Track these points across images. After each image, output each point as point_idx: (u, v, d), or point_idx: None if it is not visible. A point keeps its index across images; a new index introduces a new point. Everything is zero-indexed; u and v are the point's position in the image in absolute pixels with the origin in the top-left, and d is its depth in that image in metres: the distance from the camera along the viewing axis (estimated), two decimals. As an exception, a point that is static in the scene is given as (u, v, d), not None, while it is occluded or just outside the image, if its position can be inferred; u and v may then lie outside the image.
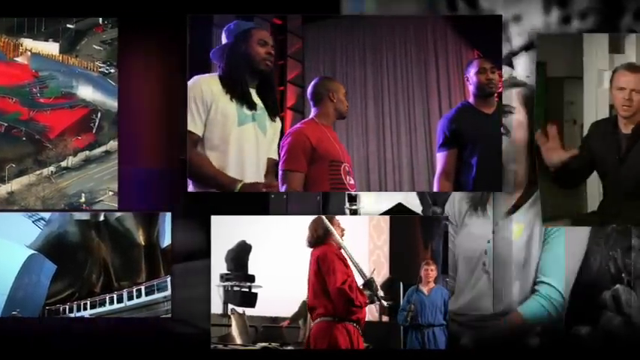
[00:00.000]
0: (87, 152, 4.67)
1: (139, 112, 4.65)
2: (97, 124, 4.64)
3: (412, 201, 4.73)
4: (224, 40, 4.10)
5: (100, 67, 4.64)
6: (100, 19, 4.65)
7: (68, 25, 4.61)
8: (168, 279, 4.62)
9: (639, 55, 4.45)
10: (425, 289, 4.58)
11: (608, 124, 4.26)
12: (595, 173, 4.40)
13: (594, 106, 4.48)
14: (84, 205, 4.56)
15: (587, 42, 4.54)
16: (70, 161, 4.64)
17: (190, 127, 3.89)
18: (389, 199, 4.74)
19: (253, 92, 4.09)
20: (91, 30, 4.66)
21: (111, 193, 4.60)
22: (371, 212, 4.69)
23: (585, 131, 4.33)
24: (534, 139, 4.34)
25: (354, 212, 4.63)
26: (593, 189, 4.52)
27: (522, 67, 4.60)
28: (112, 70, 4.62)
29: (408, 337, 4.58)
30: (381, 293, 4.28)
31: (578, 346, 4.59)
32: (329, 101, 4.46)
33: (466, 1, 4.61)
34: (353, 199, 4.62)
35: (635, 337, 4.59)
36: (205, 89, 3.90)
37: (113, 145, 4.63)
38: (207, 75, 4.03)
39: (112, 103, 4.59)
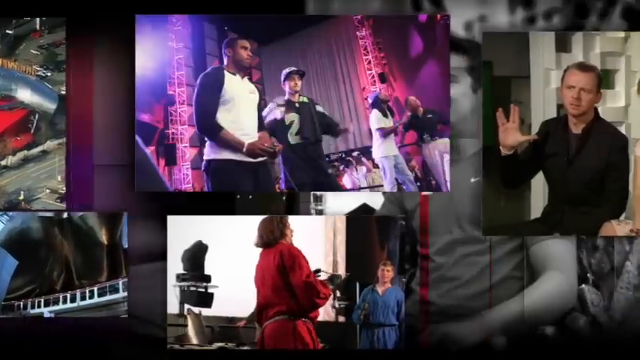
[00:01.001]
0: (25, 152, 4.63)
1: (87, 111, 4.61)
2: (34, 125, 4.61)
3: (378, 201, 4.72)
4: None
5: (38, 71, 4.61)
6: (38, 24, 4.64)
7: (7, 31, 4.58)
8: (120, 282, 4.58)
9: (586, 54, 4.45)
10: (380, 290, 4.49)
11: (558, 123, 4.23)
12: (541, 177, 4.37)
13: (542, 106, 4.46)
14: (22, 203, 4.54)
15: (534, 41, 4.51)
16: (10, 160, 4.60)
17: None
18: (355, 200, 4.70)
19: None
20: (29, 35, 4.63)
21: (48, 190, 4.58)
22: (336, 212, 4.65)
23: (534, 131, 4.28)
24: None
25: (320, 212, 4.62)
26: (538, 194, 4.49)
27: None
28: (49, 74, 4.59)
29: (363, 337, 4.52)
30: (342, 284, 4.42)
31: (544, 346, 4.53)
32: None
33: (431, 1, 4.54)
34: (318, 199, 4.60)
35: (600, 337, 4.57)
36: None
37: (50, 145, 4.60)
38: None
39: (49, 105, 4.59)
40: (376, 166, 5.40)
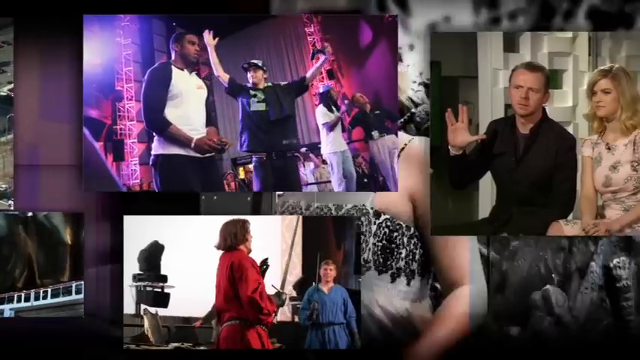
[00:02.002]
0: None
1: (34, 110, 4.46)
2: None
3: None
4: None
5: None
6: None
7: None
8: (74, 284, 4.45)
9: (534, 54, 4.38)
10: (325, 288, 4.32)
11: (506, 123, 4.14)
12: (489, 177, 4.26)
13: (490, 106, 4.38)
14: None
15: (482, 41, 4.43)
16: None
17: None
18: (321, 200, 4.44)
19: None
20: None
21: (-5, 189, 4.37)
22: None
23: (482, 131, 4.18)
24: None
25: (284, 213, 4.40)
26: (486, 194, 4.40)
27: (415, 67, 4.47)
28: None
29: (310, 337, 4.33)
30: (287, 300, 4.27)
31: (509, 346, 4.46)
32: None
33: (396, 1, 4.41)
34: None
35: (565, 338, 4.46)
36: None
37: (-6, 143, 4.38)
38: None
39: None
40: (324, 162, 5.33)
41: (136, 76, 5.42)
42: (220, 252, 4.13)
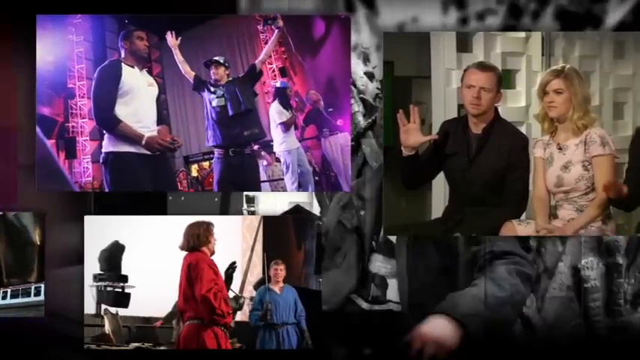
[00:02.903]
0: None
1: None
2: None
3: (312, 202, 4.51)
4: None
5: None
6: None
7: None
8: (33, 286, 4.35)
9: (487, 54, 4.34)
10: (276, 288, 4.34)
11: (458, 123, 4.06)
12: (442, 177, 4.18)
13: (443, 106, 4.32)
14: None
15: (435, 41, 4.37)
16: None
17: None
18: (287, 200, 4.50)
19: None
20: None
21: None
22: (268, 213, 4.46)
23: (434, 131, 4.10)
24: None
25: (252, 213, 4.44)
26: (439, 194, 4.34)
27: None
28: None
29: (265, 337, 4.37)
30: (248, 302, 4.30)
31: (475, 346, 4.05)
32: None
33: (364, 1, 4.29)
34: (251, 201, 4.46)
35: (533, 338, 4.36)
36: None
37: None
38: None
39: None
40: (277, 159, 5.24)
41: (88, 74, 5.28)
42: (184, 253, 4.12)
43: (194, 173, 5.15)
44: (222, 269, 4.17)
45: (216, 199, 4.50)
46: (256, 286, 4.34)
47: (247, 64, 5.15)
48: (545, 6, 4.33)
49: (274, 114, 5.14)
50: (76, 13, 4.66)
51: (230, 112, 4.86)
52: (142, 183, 4.43)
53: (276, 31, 4.90)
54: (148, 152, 4.43)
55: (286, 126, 5.10)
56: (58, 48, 4.73)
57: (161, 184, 4.49)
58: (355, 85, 4.36)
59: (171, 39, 4.85)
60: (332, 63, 4.96)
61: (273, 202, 4.52)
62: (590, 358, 4.40)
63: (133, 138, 4.36)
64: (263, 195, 4.59)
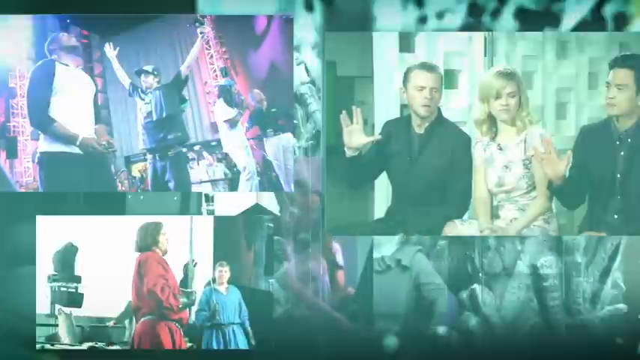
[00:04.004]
0: None
1: None
2: None
3: (270, 201, 4.54)
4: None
5: None
6: None
7: None
8: None
9: (430, 54, 4.27)
10: (222, 289, 4.33)
11: (401, 123, 4.02)
12: (385, 177, 4.14)
13: (385, 106, 4.25)
14: None
15: (377, 41, 4.31)
16: None
17: None
18: (246, 200, 4.54)
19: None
20: None
21: None
22: (228, 212, 4.48)
23: (377, 131, 4.06)
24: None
25: (211, 212, 4.47)
26: (382, 193, 4.28)
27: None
28: None
29: (210, 337, 4.35)
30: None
31: (436, 345, 4.35)
32: None
33: (324, 1, 4.31)
34: (210, 200, 4.52)
35: (491, 337, 4.36)
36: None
37: None
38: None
39: None
40: (218, 159, 5.24)
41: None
42: (138, 253, 4.21)
43: (135, 173, 5.11)
44: (173, 267, 4.21)
45: (175, 198, 4.53)
46: (205, 286, 4.32)
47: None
48: (505, 5, 4.31)
49: (219, 112, 5.11)
50: (23, 12, 4.52)
51: (154, 118, 4.87)
52: (77, 184, 4.40)
53: (200, 36, 4.89)
54: (84, 153, 4.41)
55: (231, 123, 5.06)
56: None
57: (98, 186, 4.48)
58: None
59: (109, 50, 4.85)
60: (274, 63, 4.92)
61: (232, 202, 4.53)
62: (550, 357, 4.37)
63: (67, 138, 4.34)
64: (222, 195, 4.62)
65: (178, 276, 4.29)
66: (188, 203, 4.51)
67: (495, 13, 4.33)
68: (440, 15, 4.30)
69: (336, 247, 4.35)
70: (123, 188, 5.13)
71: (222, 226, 4.45)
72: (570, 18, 4.35)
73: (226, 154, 5.13)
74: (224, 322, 4.33)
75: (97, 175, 4.51)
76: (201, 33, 4.89)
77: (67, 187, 4.37)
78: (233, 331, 4.35)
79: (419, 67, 3.90)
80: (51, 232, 4.35)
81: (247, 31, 4.97)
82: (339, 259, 4.36)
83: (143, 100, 4.92)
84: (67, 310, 4.35)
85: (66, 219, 4.36)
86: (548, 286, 4.30)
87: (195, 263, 4.32)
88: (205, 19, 4.87)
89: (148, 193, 4.66)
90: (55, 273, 4.31)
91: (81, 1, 4.41)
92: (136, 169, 5.04)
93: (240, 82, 5.12)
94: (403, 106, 4.19)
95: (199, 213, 4.46)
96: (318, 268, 4.34)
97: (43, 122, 4.35)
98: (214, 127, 5.19)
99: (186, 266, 4.31)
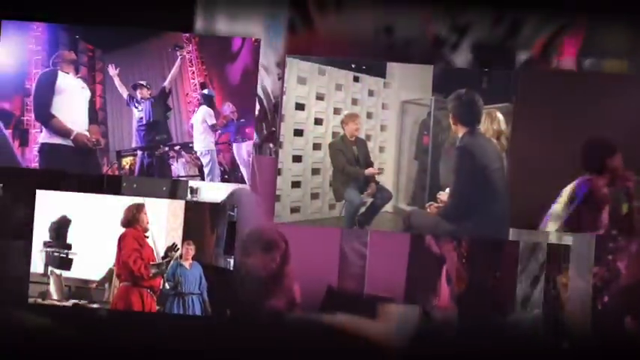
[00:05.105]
0: None
1: None
2: None
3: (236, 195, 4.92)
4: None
5: None
6: None
7: None
8: None
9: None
10: (186, 264, 4.70)
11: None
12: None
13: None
14: None
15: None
16: None
17: None
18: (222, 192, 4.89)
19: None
20: None
21: None
22: (210, 200, 4.85)
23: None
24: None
25: (196, 201, 4.83)
26: None
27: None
28: None
29: (172, 303, 4.72)
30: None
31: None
32: None
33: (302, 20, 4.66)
34: (194, 192, 4.88)
35: (434, 335, 4.63)
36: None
37: None
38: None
39: None
40: (197, 158, 5.41)
41: (42, 78, 5.59)
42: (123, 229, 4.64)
43: (125, 167, 5.21)
44: (152, 243, 4.69)
45: (164, 188, 4.86)
46: (173, 260, 4.71)
47: (172, 83, 5.45)
48: (463, 39, 4.51)
49: (206, 117, 5.36)
50: (34, 20, 4.95)
51: (144, 122, 5.26)
52: (71, 170, 4.80)
53: (179, 58, 5.21)
54: (77, 146, 4.87)
55: (215, 128, 5.35)
56: (19, 53, 5.02)
57: (89, 173, 4.87)
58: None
59: (111, 70, 5.18)
60: (244, 81, 5.16)
61: (215, 193, 4.89)
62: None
63: (63, 132, 4.88)
64: (205, 185, 4.95)
65: (160, 251, 4.74)
66: (176, 192, 4.84)
67: (454, 47, 4.51)
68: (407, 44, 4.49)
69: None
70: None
71: (193, 211, 4.79)
72: (522, 55, 4.48)
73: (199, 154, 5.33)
74: (185, 291, 4.71)
75: (88, 166, 4.89)
76: (180, 55, 5.22)
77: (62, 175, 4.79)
78: (192, 300, 4.69)
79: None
80: (48, 206, 4.70)
81: (225, 52, 5.17)
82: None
83: (137, 108, 5.27)
84: (58, 271, 4.74)
85: (63, 194, 4.71)
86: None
87: (177, 248, 4.72)
88: (187, 43, 5.17)
89: (141, 179, 4.93)
90: (50, 240, 4.70)
91: (88, 14, 4.85)
92: (125, 162, 5.17)
93: (217, 96, 5.32)
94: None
95: (185, 199, 4.77)
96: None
97: (44, 117, 4.91)
98: (192, 131, 5.41)
99: (169, 248, 4.73)
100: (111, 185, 4.82)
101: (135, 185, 4.85)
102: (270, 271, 4.71)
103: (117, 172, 5.11)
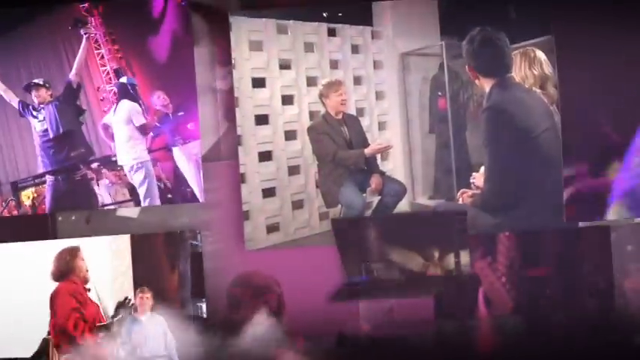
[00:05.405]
0: None
1: None
2: None
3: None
4: None
5: None
6: None
7: None
8: None
9: None
10: (143, 318, 4.16)
11: None
12: None
13: None
14: None
15: None
16: None
17: None
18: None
19: None
20: None
21: None
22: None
23: None
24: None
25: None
26: None
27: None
28: None
29: None
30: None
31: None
32: None
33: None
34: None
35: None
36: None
37: None
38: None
39: None
40: (121, 176, 4.64)
41: None
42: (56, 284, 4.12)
43: (26, 201, 4.55)
44: (96, 297, 4.13)
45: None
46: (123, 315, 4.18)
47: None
48: None
49: (131, 115, 4.52)
50: None
51: (52, 135, 4.57)
52: None
53: (85, 37, 4.46)
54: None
55: (145, 129, 4.53)
56: None
57: None
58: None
59: None
60: (175, 58, 4.36)
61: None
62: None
63: None
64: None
65: (108, 306, 4.18)
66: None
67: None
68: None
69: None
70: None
71: (142, 245, 4.19)
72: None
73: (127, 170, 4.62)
74: (147, 355, 4.13)
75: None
76: (85, 34, 4.41)
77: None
78: (159, 365, 4.34)
79: None
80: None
81: (143, 23, 4.38)
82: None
83: (36, 117, 4.55)
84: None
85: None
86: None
87: (130, 301, 4.11)
88: (88, 16, 4.40)
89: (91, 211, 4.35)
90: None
91: None
92: (25, 196, 4.53)
93: (140, 84, 4.53)
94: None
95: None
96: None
97: None
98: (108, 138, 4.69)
99: (120, 303, 4.15)
100: (31, 227, 4.31)
101: (73, 218, 4.31)
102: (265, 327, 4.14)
103: (15, 212, 4.46)
